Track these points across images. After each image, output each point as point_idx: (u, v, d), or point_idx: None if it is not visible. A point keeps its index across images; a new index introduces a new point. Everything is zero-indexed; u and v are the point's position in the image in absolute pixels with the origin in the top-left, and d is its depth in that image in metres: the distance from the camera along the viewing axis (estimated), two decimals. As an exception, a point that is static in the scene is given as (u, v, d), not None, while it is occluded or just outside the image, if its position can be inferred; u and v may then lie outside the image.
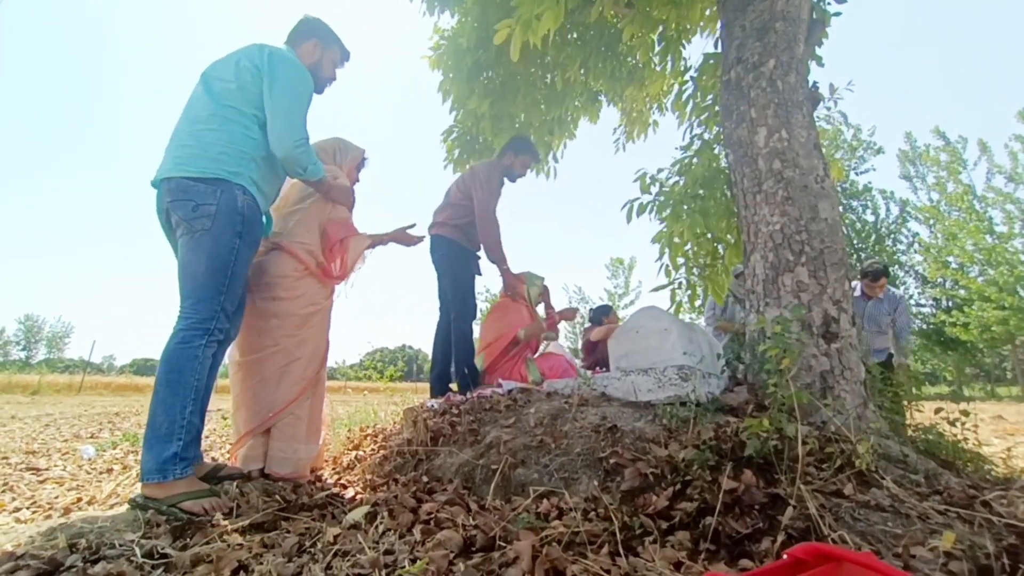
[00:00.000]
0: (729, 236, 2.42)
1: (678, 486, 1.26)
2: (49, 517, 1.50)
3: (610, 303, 14.34)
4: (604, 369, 3.68)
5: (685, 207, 2.49)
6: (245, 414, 1.77)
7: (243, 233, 1.54)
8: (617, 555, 1.04)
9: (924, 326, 14.90)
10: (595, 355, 3.85)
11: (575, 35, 3.45)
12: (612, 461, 1.42)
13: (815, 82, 2.25)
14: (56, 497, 1.79)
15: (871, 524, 1.11)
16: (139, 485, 1.93)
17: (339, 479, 1.82)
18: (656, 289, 2.60)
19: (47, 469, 2.33)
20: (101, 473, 2.25)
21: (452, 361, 2.75)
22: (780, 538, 1.06)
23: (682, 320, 2.26)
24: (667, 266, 2.57)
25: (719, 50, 2.67)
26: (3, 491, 1.86)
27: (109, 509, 1.55)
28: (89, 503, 1.66)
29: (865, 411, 1.85)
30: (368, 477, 1.77)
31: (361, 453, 2.16)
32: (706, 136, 2.59)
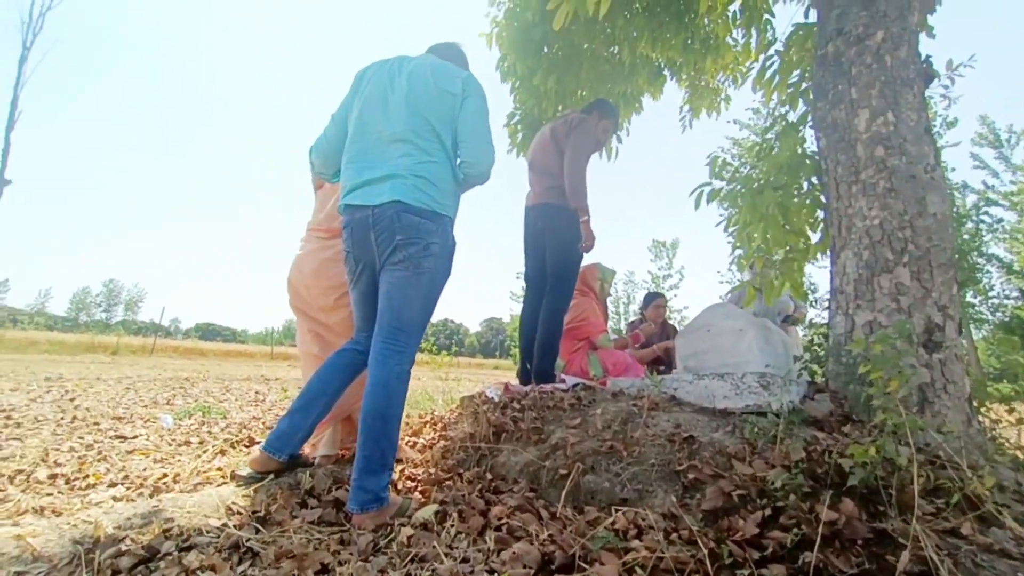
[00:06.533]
0: (812, 230, 2.22)
1: (768, 511, 1.17)
2: (141, 494, 1.59)
3: (657, 288, 13.75)
4: (661, 366, 3.58)
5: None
6: None
7: (450, 271, 1.62)
8: (708, 587, 0.98)
9: (1007, 319, 13.67)
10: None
11: (639, 5, 3.23)
12: (691, 476, 1.34)
13: (927, 56, 1.99)
14: (144, 469, 1.91)
15: (997, 573, 1.00)
16: (217, 461, 2.05)
17: (403, 469, 1.84)
18: (735, 289, 2.45)
19: (133, 438, 2.49)
20: (180, 445, 2.40)
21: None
22: (892, 582, 0.97)
23: (757, 318, 2.11)
24: (739, 259, 2.41)
25: (810, 20, 2.42)
26: (99, 460, 2.00)
27: (192, 489, 1.63)
28: (174, 480, 1.75)
29: (968, 429, 1.68)
30: (432, 471, 1.77)
31: (422, 441, 2.18)
32: (791, 117, 2.37)
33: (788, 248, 2.31)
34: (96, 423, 2.84)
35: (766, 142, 2.40)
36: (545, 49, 3.11)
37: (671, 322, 3.99)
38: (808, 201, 2.19)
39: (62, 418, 2.93)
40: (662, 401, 1.78)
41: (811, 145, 2.30)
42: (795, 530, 1.10)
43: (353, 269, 1.61)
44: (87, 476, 1.79)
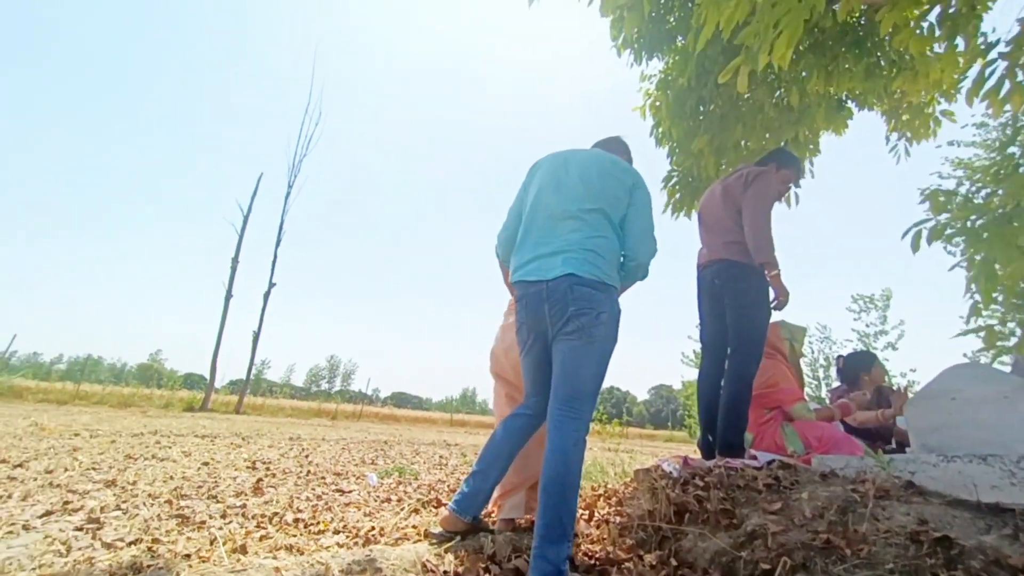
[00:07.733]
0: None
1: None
2: (356, 543, 1.84)
3: (865, 346, 11.20)
4: (879, 442, 2.89)
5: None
6: (516, 465, 1.86)
7: (617, 337, 1.69)
8: None
9: None
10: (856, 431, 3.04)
11: (805, 45, 3.02)
12: (955, 593, 1.02)
13: None
14: (357, 521, 2.21)
15: None
16: (412, 519, 2.26)
17: (579, 545, 1.78)
18: (965, 332, 1.98)
19: (349, 492, 2.92)
20: (382, 501, 2.72)
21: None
22: None
23: (1030, 382, 1.60)
24: (978, 303, 1.90)
25: (1044, 9, 1.97)
26: (326, 510, 2.38)
27: (394, 543, 1.82)
28: (380, 533, 1.98)
29: None
30: (610, 549, 1.68)
31: (597, 516, 2.09)
32: (1037, 125, 1.88)
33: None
34: (323, 477, 3.40)
35: (1006, 158, 1.93)
36: (701, 109, 3.08)
37: (890, 386, 3.23)
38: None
39: (300, 471, 3.58)
40: (894, 488, 1.42)
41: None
42: None
43: (525, 339, 1.73)
44: (318, 522, 2.14)
